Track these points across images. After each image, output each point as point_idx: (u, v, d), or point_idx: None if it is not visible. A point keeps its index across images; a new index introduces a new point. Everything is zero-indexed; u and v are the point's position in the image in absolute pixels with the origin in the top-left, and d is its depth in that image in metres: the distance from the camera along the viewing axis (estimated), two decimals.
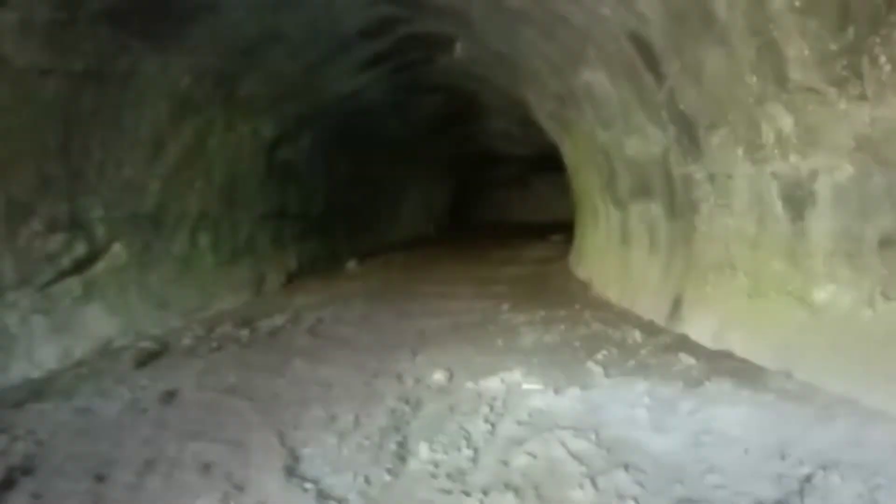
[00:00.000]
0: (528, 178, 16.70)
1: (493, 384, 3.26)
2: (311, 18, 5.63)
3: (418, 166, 13.22)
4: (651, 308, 4.69)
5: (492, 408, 2.96)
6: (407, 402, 3.12)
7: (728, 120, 3.65)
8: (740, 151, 3.65)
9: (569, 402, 2.96)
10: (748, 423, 2.62)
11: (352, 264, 9.28)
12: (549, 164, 15.05)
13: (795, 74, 3.07)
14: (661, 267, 4.71)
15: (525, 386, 3.21)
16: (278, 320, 5.44)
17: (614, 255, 5.67)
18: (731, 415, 2.72)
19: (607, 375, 3.34)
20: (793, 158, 3.29)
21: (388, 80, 7.96)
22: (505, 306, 5.39)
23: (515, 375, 3.36)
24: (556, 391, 3.11)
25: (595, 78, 4.80)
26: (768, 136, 3.40)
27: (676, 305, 4.36)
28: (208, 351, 4.49)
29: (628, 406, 2.87)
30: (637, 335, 4.17)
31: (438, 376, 3.45)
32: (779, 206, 3.46)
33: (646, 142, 4.56)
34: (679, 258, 4.48)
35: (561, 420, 2.77)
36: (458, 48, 6.35)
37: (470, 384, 3.29)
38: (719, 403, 2.85)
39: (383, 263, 9.47)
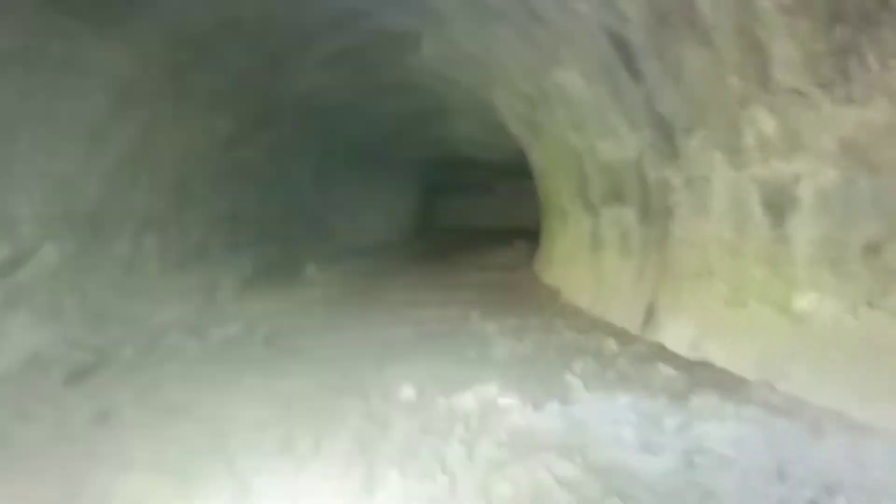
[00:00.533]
0: (492, 184, 16.60)
1: (466, 399, 3.01)
2: (270, 8, 5.28)
3: (382, 170, 12.89)
4: (624, 315, 4.55)
5: (467, 427, 2.70)
6: (373, 421, 2.83)
7: (708, 122, 3.54)
8: (719, 155, 3.54)
9: (549, 418, 2.74)
10: (740, 441, 2.46)
11: (312, 270, 8.87)
12: (514, 169, 15.03)
13: (780, 75, 2.96)
14: (634, 273, 4.58)
15: (501, 401, 2.97)
16: (231, 329, 5.03)
17: (585, 261, 5.54)
18: (720, 432, 2.56)
19: (587, 388, 3.14)
20: (775, 162, 3.19)
21: (351, 78, 7.64)
22: (475, 314, 5.15)
23: (490, 389, 3.12)
24: (536, 406, 2.88)
25: (569, 78, 4.65)
26: (749, 139, 3.29)
27: (651, 313, 4.23)
28: (151, 364, 4.07)
29: (613, 423, 2.67)
30: (612, 344, 4.01)
31: (407, 391, 3.17)
32: (759, 212, 3.36)
33: (620, 145, 4.43)
34: (653, 265, 4.35)
35: (543, 440, 2.54)
36: (426, 46, 6.11)
37: (442, 400, 3.03)
38: (706, 419, 2.69)
39: (345, 269, 9.10)
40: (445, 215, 17.75)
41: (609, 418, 2.72)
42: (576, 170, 5.44)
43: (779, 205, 3.22)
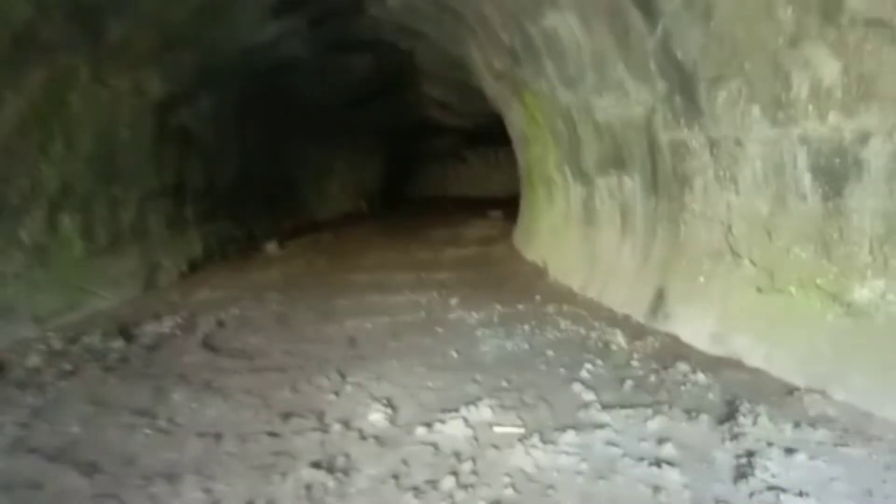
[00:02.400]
0: (463, 152, 15.72)
1: (454, 428, 2.28)
2: None
3: (347, 137, 11.85)
4: (626, 300, 3.88)
5: (457, 474, 1.98)
6: (330, 467, 2.07)
7: (743, 69, 2.80)
8: (757, 110, 2.82)
9: (565, 458, 2.04)
10: (821, 488, 1.81)
11: (271, 247, 7.95)
12: (486, 136, 14.16)
13: (857, 2, 2.23)
14: (637, 252, 3.90)
15: (499, 430, 2.26)
16: (167, 325, 4.17)
17: (575, 236, 4.84)
18: (790, 471, 1.91)
19: (604, 406, 2.45)
20: (833, 118, 2.49)
21: (308, 32, 6.61)
22: (453, 300, 4.41)
23: (483, 411, 2.40)
24: (544, 438, 2.17)
25: (563, 22, 3.83)
26: (800, 88, 2.58)
27: (660, 298, 3.56)
28: (57, 376, 3.20)
29: (649, 462, 1.99)
30: (619, 338, 3.33)
31: (376, 416, 2.43)
32: (807, 180, 2.68)
33: (624, 101, 3.67)
34: (662, 242, 3.67)
35: (560, 492, 1.84)
36: None
37: (422, 430, 2.29)
38: (767, 452, 2.03)
39: (308, 245, 8.21)
40: (414, 185, 16.82)
41: (644, 456, 2.04)
42: (565, 133, 4.68)
43: (836, 171, 2.53)
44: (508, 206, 11.96)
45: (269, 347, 3.57)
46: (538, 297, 4.36)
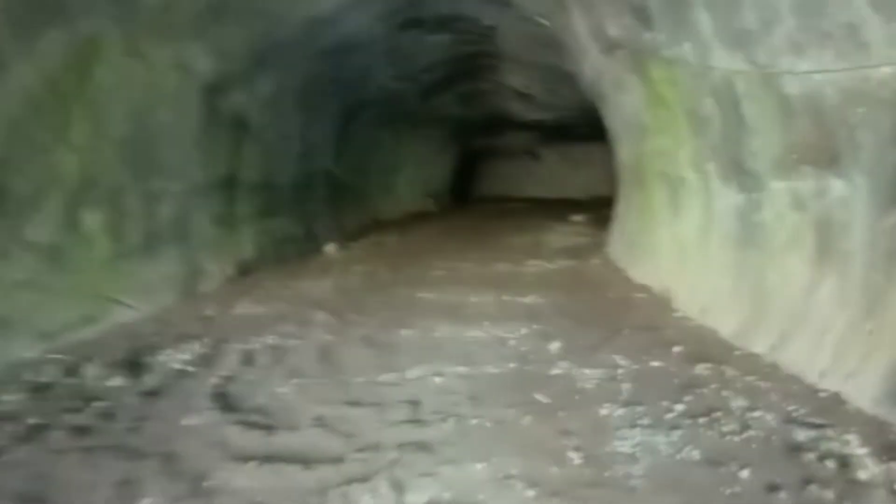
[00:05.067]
0: (538, 149, 14.25)
1: None
2: None
3: (416, 130, 10.79)
4: (830, 368, 2.46)
5: None
6: None
7: None
8: None
9: None
10: None
11: (330, 249, 7.01)
12: (566, 133, 12.65)
13: None
14: (851, 295, 2.46)
15: None
16: (185, 354, 3.21)
17: (723, 260, 3.42)
18: None
19: None
20: None
21: (377, 2, 5.51)
22: (553, 345, 3.14)
23: None
24: None
25: None
26: None
27: None
28: (10, 438, 2.26)
29: None
30: (856, 447, 1.94)
31: None
32: None
33: (854, 58, 2.24)
34: None
35: None
36: None
37: None
38: None
39: (371, 248, 7.19)
40: (484, 184, 15.55)
41: None
42: (718, 116, 3.27)
43: None
44: (590, 209, 10.48)
45: (299, 408, 2.46)
46: (677, 349, 2.99)
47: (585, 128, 11.96)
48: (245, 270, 5.63)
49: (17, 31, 3.34)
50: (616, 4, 3.89)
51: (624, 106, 4.90)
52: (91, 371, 3.01)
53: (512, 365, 2.87)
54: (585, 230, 7.97)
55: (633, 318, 3.62)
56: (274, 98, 6.02)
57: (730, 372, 2.65)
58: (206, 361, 3.11)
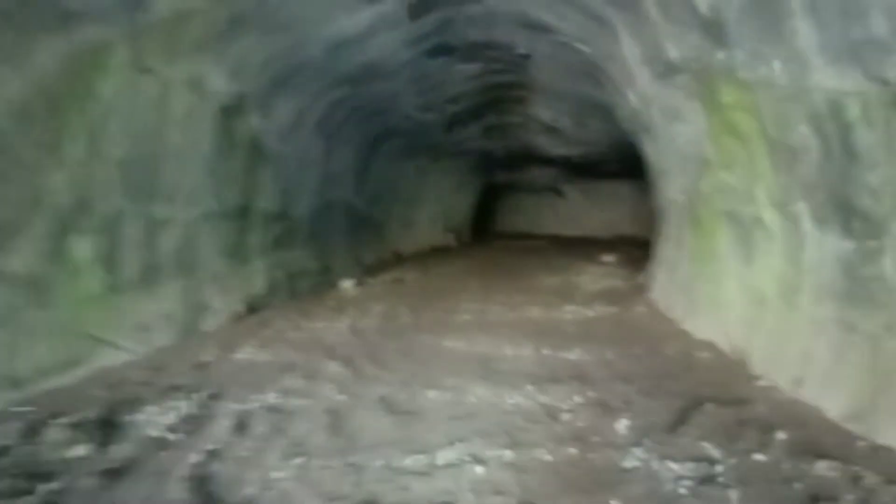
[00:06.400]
0: (562, 186, 13.73)
1: None
2: None
3: (440, 162, 10.36)
4: None
5: None
6: None
7: None
8: None
9: None
10: None
11: (348, 285, 6.45)
12: (590, 169, 12.11)
13: None
14: None
15: None
16: (170, 416, 2.61)
17: (822, 320, 2.76)
18: None
19: None
20: None
21: (407, 24, 5.11)
22: (621, 422, 2.48)
23: None
24: None
25: None
26: None
27: None
28: None
29: None
30: None
31: None
32: None
33: None
34: None
35: None
36: None
37: None
38: None
39: (390, 285, 6.62)
40: (505, 219, 15.02)
41: None
42: (816, 147, 2.68)
43: None
44: (618, 249, 9.85)
45: None
46: (781, 436, 2.31)
47: (612, 164, 11.44)
48: (254, 307, 5.08)
49: (9, 34, 2.93)
50: (681, 21, 3.37)
51: (677, 137, 4.34)
52: (53, 434, 2.44)
53: (571, 451, 2.22)
54: (618, 272, 7.32)
55: (707, 386, 2.95)
56: (293, 123, 5.59)
57: (868, 477, 1.96)
58: (192, 426, 2.51)
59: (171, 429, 2.48)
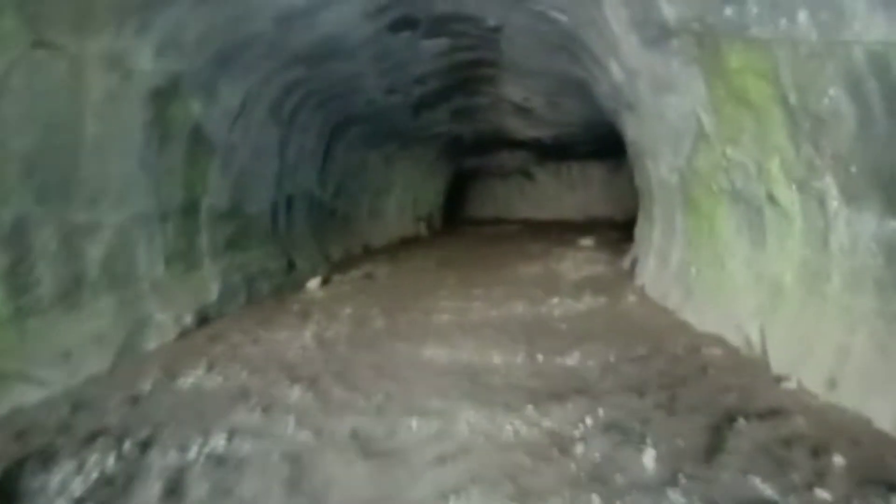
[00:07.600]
0: (531, 169, 13.31)
1: None
2: None
3: (408, 148, 9.76)
4: None
5: None
6: None
7: None
8: None
9: None
10: None
11: (313, 284, 5.85)
12: (560, 151, 11.69)
13: None
14: None
15: None
16: (88, 472, 2.04)
17: (859, 313, 2.37)
18: None
19: None
20: None
21: None
22: (647, 453, 2.02)
23: None
24: None
25: None
26: None
27: None
28: None
29: None
30: None
31: None
32: None
33: None
34: None
35: None
36: None
37: None
38: None
39: (360, 283, 6.05)
40: (475, 205, 14.53)
41: None
42: (852, 112, 2.27)
43: None
44: (594, 232, 9.50)
45: None
46: (839, 461, 1.90)
47: (585, 145, 11.05)
48: (207, 317, 4.45)
49: None
50: None
51: (667, 111, 3.91)
52: None
53: (595, 499, 1.75)
54: (599, 256, 6.94)
55: (730, 393, 2.54)
56: (243, 108, 4.91)
57: None
58: (111, 491, 1.93)
59: (83, 498, 1.90)
